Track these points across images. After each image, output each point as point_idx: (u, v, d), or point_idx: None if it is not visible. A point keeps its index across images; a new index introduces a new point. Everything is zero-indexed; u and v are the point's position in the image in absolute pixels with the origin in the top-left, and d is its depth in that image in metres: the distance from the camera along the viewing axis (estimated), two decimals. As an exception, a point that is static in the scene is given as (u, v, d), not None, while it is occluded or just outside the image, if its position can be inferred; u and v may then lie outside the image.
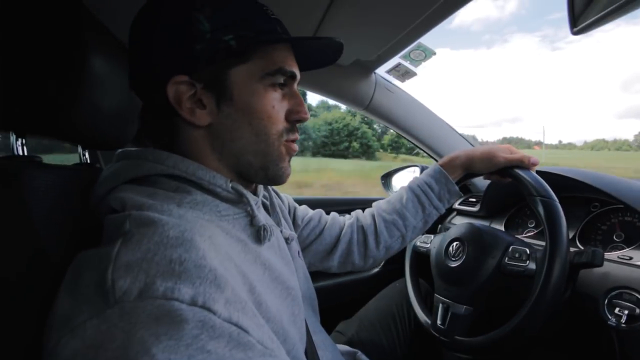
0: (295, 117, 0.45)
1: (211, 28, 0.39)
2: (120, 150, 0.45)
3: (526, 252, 0.64)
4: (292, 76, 0.44)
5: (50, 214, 0.39)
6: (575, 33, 0.48)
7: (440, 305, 0.75)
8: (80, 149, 0.56)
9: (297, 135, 0.46)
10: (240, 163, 0.44)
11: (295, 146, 0.47)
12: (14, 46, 0.40)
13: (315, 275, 0.74)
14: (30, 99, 0.41)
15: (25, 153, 0.45)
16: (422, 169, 1.15)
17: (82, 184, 0.47)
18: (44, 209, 0.39)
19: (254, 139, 0.42)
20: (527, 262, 0.63)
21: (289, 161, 0.47)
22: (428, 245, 0.87)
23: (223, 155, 0.43)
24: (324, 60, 0.51)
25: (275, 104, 0.43)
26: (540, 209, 0.58)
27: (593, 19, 0.45)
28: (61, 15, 0.41)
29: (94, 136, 0.49)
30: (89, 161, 0.58)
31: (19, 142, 0.44)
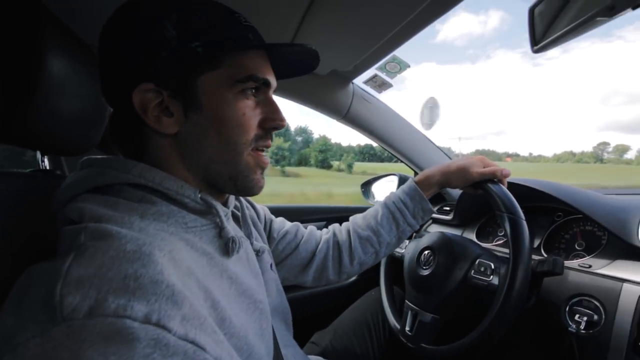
0: (270, 124, 0.44)
1: (177, 35, 0.38)
2: (85, 157, 0.43)
3: (491, 266, 0.66)
4: (266, 83, 0.44)
5: (6, 226, 0.37)
6: (535, 51, 0.50)
7: (410, 311, 0.76)
8: (38, 155, 0.54)
9: (269, 142, 0.45)
10: (209, 172, 0.42)
11: (266, 158, 0.45)
12: None
13: (290, 285, 0.73)
14: None
15: None
16: (400, 178, 1.17)
17: (39, 192, 0.44)
18: None
19: (223, 147, 0.41)
20: (491, 276, 0.65)
21: (262, 173, 0.46)
22: (402, 251, 0.88)
23: (192, 164, 0.42)
24: (301, 68, 0.51)
25: (247, 112, 0.42)
26: (507, 226, 0.60)
27: (550, 38, 0.48)
28: (16, 14, 0.40)
29: (53, 141, 0.47)
30: (47, 167, 0.55)
31: None
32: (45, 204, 0.43)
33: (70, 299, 0.25)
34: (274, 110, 0.44)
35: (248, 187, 0.44)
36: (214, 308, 0.34)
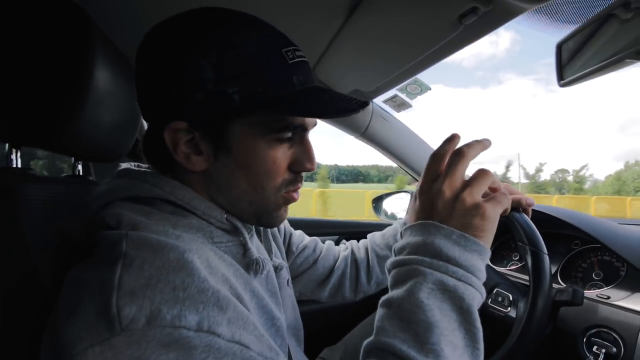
0: (299, 168, 0.42)
1: (215, 77, 0.36)
2: (122, 167, 0.45)
3: (509, 298, 0.65)
4: (304, 129, 0.42)
5: (43, 232, 0.39)
6: (562, 86, 0.52)
7: None
8: (73, 161, 0.56)
9: (299, 186, 0.44)
10: (234, 208, 0.43)
11: (296, 195, 0.44)
12: (16, 55, 0.40)
13: (305, 300, 0.73)
14: (29, 111, 0.40)
15: (20, 165, 0.44)
16: (413, 195, 1.17)
17: (75, 198, 0.46)
18: (38, 226, 0.38)
19: (250, 191, 0.41)
20: (509, 309, 0.64)
21: (286, 209, 0.45)
22: None
23: (218, 199, 0.42)
24: (339, 114, 0.46)
25: (277, 159, 0.40)
26: (529, 259, 0.60)
27: (577, 75, 0.49)
28: (67, 27, 0.41)
29: (91, 149, 0.49)
30: (81, 173, 0.57)
31: (14, 154, 0.43)
32: (80, 208, 0.45)
33: (128, 311, 0.27)
34: (308, 155, 0.42)
35: (271, 223, 0.45)
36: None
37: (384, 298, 0.37)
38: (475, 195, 0.37)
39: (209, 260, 0.34)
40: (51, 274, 0.37)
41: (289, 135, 0.40)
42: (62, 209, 0.43)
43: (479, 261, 0.36)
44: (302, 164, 0.42)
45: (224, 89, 0.36)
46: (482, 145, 0.40)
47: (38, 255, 0.37)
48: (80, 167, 0.57)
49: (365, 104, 0.42)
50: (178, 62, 0.36)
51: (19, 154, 0.44)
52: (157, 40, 0.39)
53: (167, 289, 0.29)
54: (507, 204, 0.39)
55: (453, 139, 0.41)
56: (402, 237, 0.41)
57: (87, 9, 0.42)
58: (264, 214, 0.43)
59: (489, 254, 0.37)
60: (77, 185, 0.50)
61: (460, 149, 0.39)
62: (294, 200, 0.44)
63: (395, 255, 0.40)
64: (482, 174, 0.39)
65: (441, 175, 0.39)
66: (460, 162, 0.38)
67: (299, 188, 0.44)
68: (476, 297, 0.35)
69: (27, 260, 0.36)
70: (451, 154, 0.40)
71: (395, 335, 0.33)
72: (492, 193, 0.40)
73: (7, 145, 0.43)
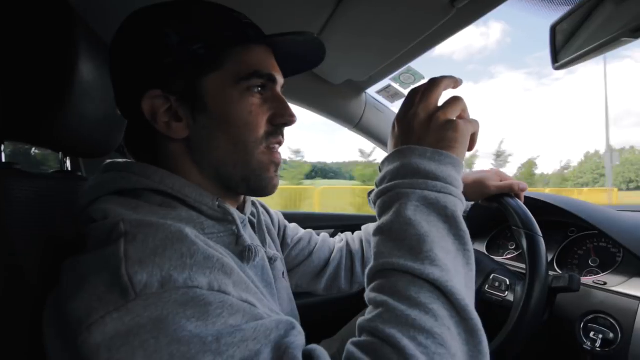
0: (279, 120, 0.43)
1: (179, 40, 0.39)
2: (107, 161, 0.44)
3: (506, 282, 0.66)
4: (272, 79, 0.43)
5: (28, 228, 0.38)
6: (556, 68, 0.51)
7: None
8: (61, 156, 0.54)
9: (280, 139, 0.45)
10: (221, 175, 0.43)
11: (279, 155, 0.45)
12: None
13: (300, 292, 0.72)
14: (14, 104, 0.40)
15: (3, 160, 0.43)
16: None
17: (62, 194, 0.45)
18: (22, 221, 0.37)
19: (232, 148, 0.41)
20: (506, 293, 0.65)
21: (276, 171, 0.45)
22: None
23: (204, 167, 0.42)
24: (309, 62, 0.50)
25: (253, 109, 0.41)
26: (524, 242, 0.60)
27: (572, 56, 0.48)
28: (49, 18, 0.40)
29: (78, 144, 0.48)
30: (69, 169, 0.56)
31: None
32: (68, 204, 0.44)
33: (139, 277, 0.28)
34: (283, 106, 0.44)
35: (262, 187, 0.44)
36: None
37: (374, 227, 0.39)
38: (448, 114, 0.40)
39: (206, 242, 0.35)
40: (37, 270, 0.36)
41: (259, 83, 0.42)
42: (50, 205, 0.42)
43: (454, 172, 0.38)
44: (282, 116, 0.43)
45: (189, 47, 0.39)
46: (453, 79, 0.43)
47: (22, 251, 0.36)
48: (68, 163, 0.56)
49: (320, 45, 0.47)
50: (145, 35, 0.40)
51: (2, 148, 0.43)
52: (127, 25, 0.42)
53: (175, 256, 0.30)
54: (476, 126, 0.42)
55: (434, 81, 0.43)
56: (380, 170, 0.42)
57: (71, 2, 0.41)
58: (252, 176, 0.43)
59: (462, 165, 0.40)
60: (65, 181, 0.49)
61: (434, 78, 0.42)
62: (278, 160, 0.45)
63: (377, 187, 0.41)
64: (454, 98, 0.41)
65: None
66: (434, 89, 0.41)
67: (281, 142, 0.45)
68: (457, 204, 0.38)
69: (9, 254, 0.35)
70: (426, 82, 0.43)
71: (392, 254, 0.35)
72: None
73: None
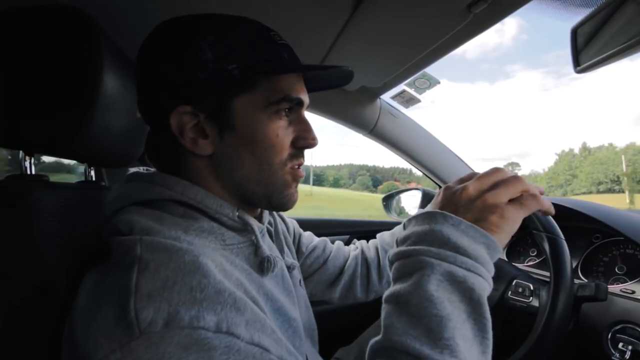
0: (302, 143, 0.44)
1: (214, 57, 0.38)
2: (130, 171, 0.45)
3: (530, 287, 0.64)
4: (299, 103, 0.44)
5: (57, 239, 0.39)
6: (578, 71, 0.50)
7: None
8: (86, 167, 0.56)
9: (302, 161, 0.45)
10: (243, 191, 0.43)
11: (302, 172, 0.46)
12: (26, 64, 0.40)
13: (316, 300, 0.72)
14: (41, 118, 0.41)
15: (34, 172, 0.44)
16: (424, 193, 1.16)
17: (88, 204, 0.46)
18: (52, 232, 0.38)
19: (257, 168, 0.42)
20: (531, 298, 0.63)
21: (296, 187, 0.46)
22: None
23: (226, 183, 0.43)
24: (333, 84, 0.52)
25: (280, 132, 0.42)
26: (546, 246, 0.59)
27: (594, 59, 0.47)
28: (74, 33, 0.42)
29: (103, 155, 0.49)
30: (94, 179, 0.58)
31: (28, 161, 0.44)
32: (93, 214, 0.45)
33: (145, 313, 0.27)
34: (306, 129, 0.44)
35: (282, 203, 0.45)
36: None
37: (387, 293, 0.36)
38: (498, 197, 0.36)
39: (222, 264, 0.34)
40: (66, 282, 0.37)
41: (287, 106, 0.42)
42: (76, 215, 0.44)
43: (485, 253, 0.34)
44: (305, 139, 0.44)
45: (224, 66, 0.39)
46: (540, 201, 0.38)
47: (52, 262, 0.37)
48: (92, 173, 0.58)
49: (350, 75, 0.48)
50: (179, 48, 0.39)
51: (32, 161, 0.44)
52: (158, 35, 0.41)
53: (184, 290, 0.29)
54: (532, 207, 0.37)
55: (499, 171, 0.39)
56: (405, 228, 0.39)
57: (93, 15, 0.43)
58: (274, 193, 0.43)
59: (499, 250, 0.35)
60: (90, 191, 0.50)
61: (519, 177, 0.38)
62: (300, 176, 0.45)
63: (398, 246, 0.38)
64: (512, 178, 0.37)
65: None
66: (496, 175, 0.38)
67: (302, 163, 0.46)
68: (486, 289, 0.34)
69: (41, 267, 0.36)
70: (492, 169, 0.39)
71: (406, 332, 0.32)
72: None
73: (21, 152, 0.44)
